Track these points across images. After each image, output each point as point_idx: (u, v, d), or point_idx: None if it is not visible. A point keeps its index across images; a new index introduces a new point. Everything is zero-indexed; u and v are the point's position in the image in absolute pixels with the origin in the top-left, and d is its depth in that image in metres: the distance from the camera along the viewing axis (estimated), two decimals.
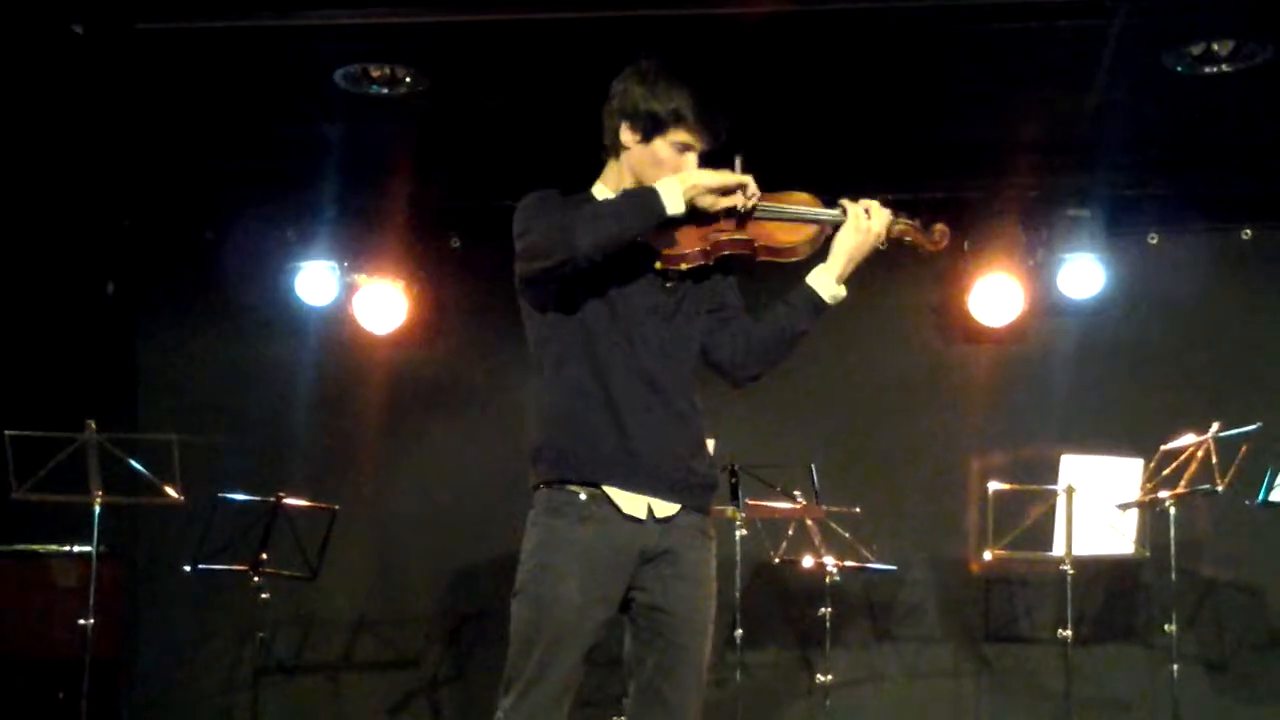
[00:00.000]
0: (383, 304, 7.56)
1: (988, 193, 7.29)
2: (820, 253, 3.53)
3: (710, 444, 6.41)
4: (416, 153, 7.12)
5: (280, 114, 6.66)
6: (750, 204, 3.41)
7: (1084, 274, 7.29)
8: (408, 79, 6.19)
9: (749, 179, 3.41)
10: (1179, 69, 5.97)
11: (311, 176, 7.24)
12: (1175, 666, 6.30)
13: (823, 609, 6.71)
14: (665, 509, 3.40)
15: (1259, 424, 5.95)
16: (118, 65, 6.04)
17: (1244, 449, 5.91)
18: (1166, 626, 6.33)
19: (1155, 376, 7.36)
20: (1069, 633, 6.41)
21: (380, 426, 7.78)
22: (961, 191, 7.28)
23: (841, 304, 3.54)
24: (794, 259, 3.51)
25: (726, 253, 3.47)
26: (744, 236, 3.47)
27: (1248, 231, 7.46)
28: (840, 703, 6.91)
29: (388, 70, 6.13)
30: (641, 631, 3.42)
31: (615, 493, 3.36)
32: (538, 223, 3.36)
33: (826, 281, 3.50)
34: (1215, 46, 5.83)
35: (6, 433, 6.32)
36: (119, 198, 7.65)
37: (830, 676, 6.69)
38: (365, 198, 7.47)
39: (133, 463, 6.41)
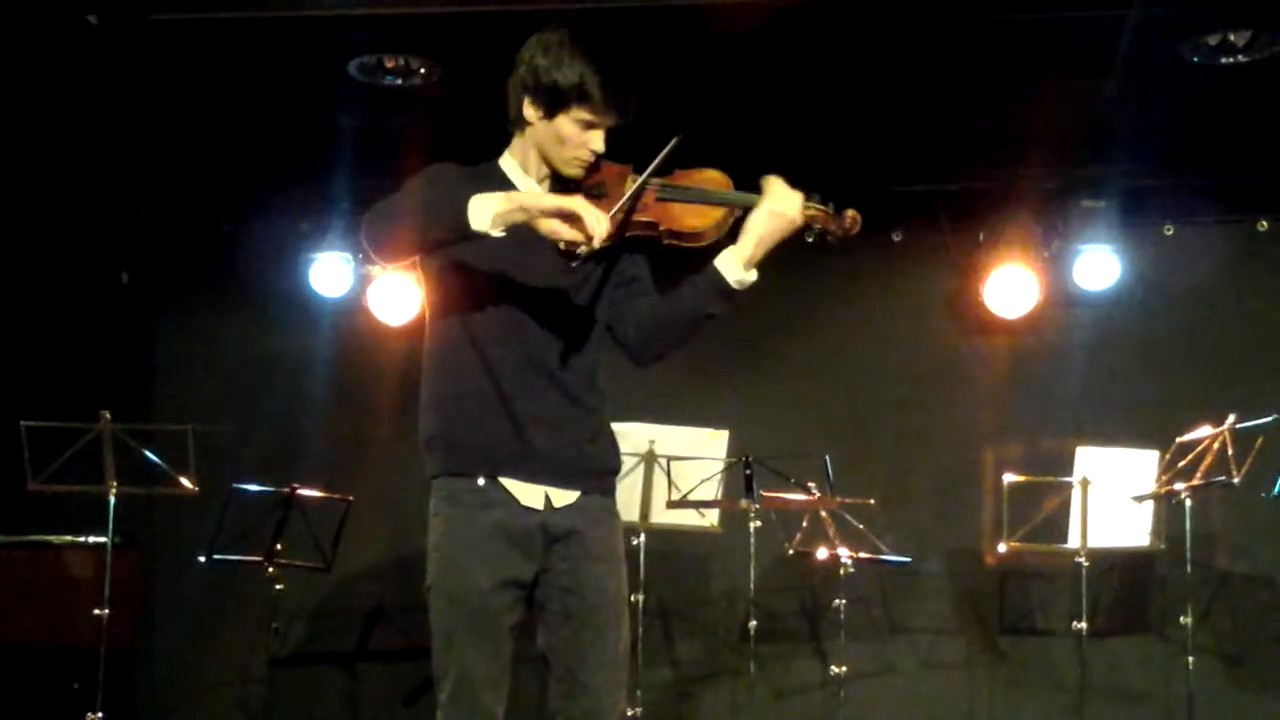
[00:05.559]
0: (397, 295, 7.55)
1: (1003, 184, 7.28)
2: (729, 236, 3.34)
3: (723, 436, 6.49)
4: (430, 143, 7.10)
5: (295, 105, 6.66)
6: (595, 246, 3.13)
7: (1099, 265, 7.27)
8: (422, 70, 6.19)
9: (594, 219, 3.08)
10: (1195, 59, 5.95)
11: (326, 167, 7.24)
12: (1190, 659, 6.30)
13: (837, 600, 6.69)
14: (564, 497, 3.33)
15: (1275, 416, 5.94)
16: (132, 56, 6.04)
17: (1260, 441, 5.90)
18: (1182, 619, 6.31)
19: (1170, 368, 7.34)
20: (1084, 625, 6.40)
21: (394, 417, 7.77)
22: (976, 182, 7.28)
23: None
24: (699, 244, 3.34)
25: (628, 235, 3.33)
26: (648, 219, 3.32)
27: (1263, 222, 7.43)
28: (854, 694, 6.89)
29: (402, 61, 6.13)
30: (553, 617, 3.34)
31: (512, 484, 3.30)
32: (393, 203, 3.43)
33: (734, 266, 3.28)
34: (1232, 37, 5.81)
35: (22, 423, 6.33)
36: (134, 188, 7.66)
37: (844, 668, 6.67)
38: (380, 189, 7.45)
39: (147, 453, 6.41)
